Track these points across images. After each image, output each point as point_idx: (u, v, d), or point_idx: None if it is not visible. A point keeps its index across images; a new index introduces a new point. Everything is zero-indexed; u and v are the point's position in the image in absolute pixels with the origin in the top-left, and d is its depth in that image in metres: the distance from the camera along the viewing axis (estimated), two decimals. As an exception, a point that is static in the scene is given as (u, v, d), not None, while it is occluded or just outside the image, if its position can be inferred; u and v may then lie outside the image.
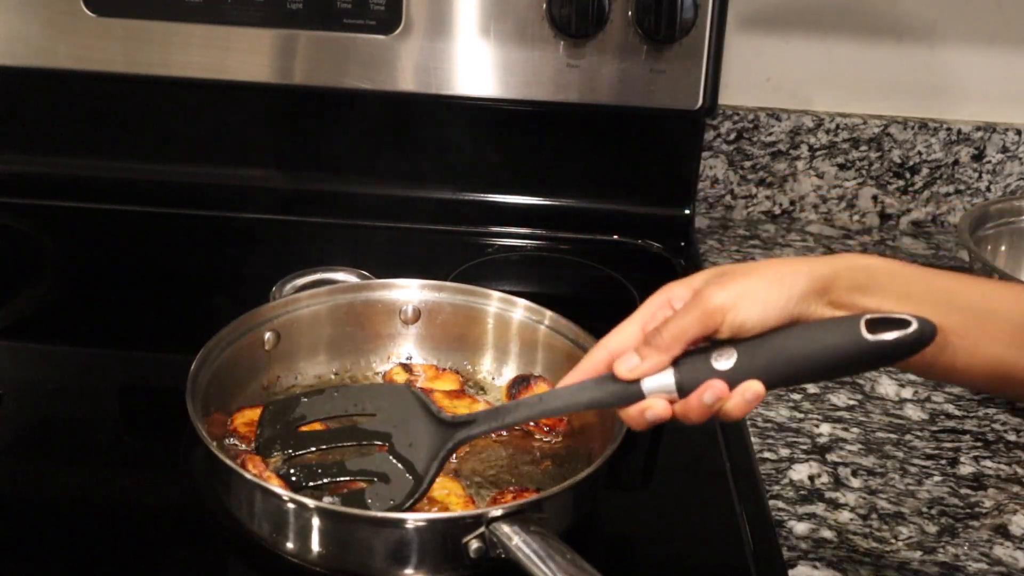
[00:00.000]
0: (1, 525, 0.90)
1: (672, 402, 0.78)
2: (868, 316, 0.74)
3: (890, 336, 0.73)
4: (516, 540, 0.79)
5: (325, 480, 0.89)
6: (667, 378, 0.77)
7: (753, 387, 0.75)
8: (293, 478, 0.89)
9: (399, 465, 0.87)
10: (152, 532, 0.90)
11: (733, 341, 0.76)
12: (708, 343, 0.77)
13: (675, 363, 0.78)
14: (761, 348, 0.76)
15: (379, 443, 0.90)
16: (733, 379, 0.76)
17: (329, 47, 1.31)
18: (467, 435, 0.85)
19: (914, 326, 0.73)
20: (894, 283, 0.76)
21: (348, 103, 1.36)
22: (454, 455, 0.91)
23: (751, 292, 0.75)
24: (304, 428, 0.93)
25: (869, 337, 0.73)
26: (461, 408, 1.00)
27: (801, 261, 0.78)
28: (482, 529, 0.81)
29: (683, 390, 0.77)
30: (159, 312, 1.20)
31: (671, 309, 0.79)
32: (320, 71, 1.32)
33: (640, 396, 0.78)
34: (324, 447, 0.92)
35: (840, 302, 0.76)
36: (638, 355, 0.78)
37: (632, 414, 0.79)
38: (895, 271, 0.77)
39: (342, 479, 0.89)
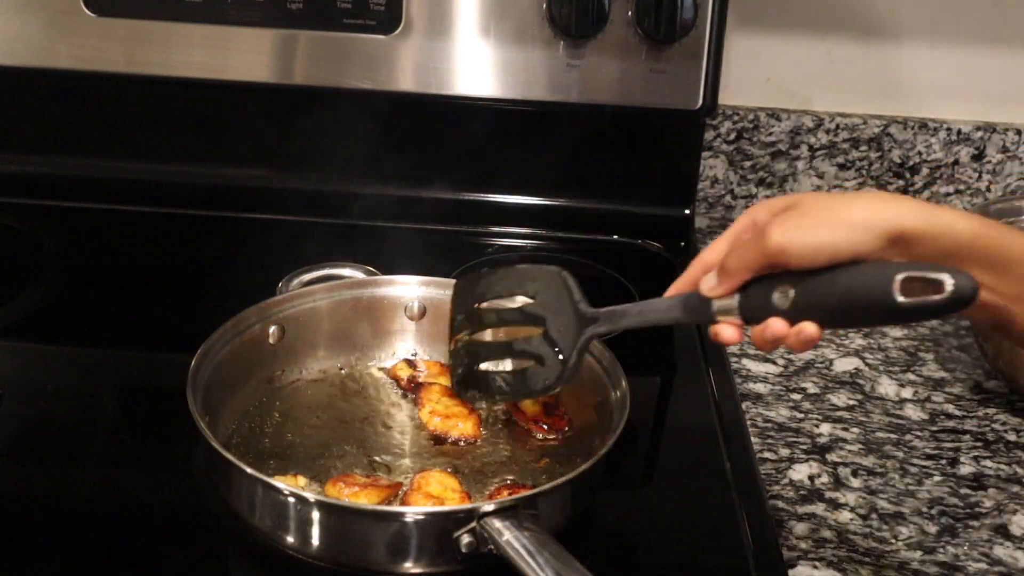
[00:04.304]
0: (1, 525, 0.90)
1: (741, 327, 0.82)
2: (903, 275, 0.73)
3: (924, 299, 0.72)
4: (507, 536, 0.79)
5: (496, 358, 1.00)
6: (732, 304, 0.81)
7: (808, 330, 0.77)
8: (471, 357, 1.00)
9: (551, 349, 0.95)
10: (152, 531, 0.90)
11: (798, 275, 0.77)
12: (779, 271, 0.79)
13: (744, 288, 0.81)
14: (820, 288, 0.76)
15: (537, 326, 0.97)
16: (792, 317, 0.78)
17: (329, 47, 1.31)
18: (594, 332, 0.93)
19: (948, 291, 0.72)
20: (982, 252, 0.75)
21: (348, 103, 1.36)
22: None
23: (818, 238, 0.76)
24: (484, 305, 1.01)
25: (901, 299, 0.73)
26: (460, 417, 1.01)
27: (888, 206, 0.76)
28: (473, 524, 0.81)
29: (747, 319, 0.81)
30: (159, 312, 1.20)
31: (753, 232, 0.81)
32: (320, 71, 1.32)
33: (714, 319, 0.83)
34: (496, 326, 1.02)
35: (922, 258, 0.76)
36: (715, 277, 0.82)
37: (712, 333, 0.84)
38: (988, 239, 0.76)
39: (509, 359, 0.99)
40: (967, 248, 0.75)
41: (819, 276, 0.76)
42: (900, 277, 0.73)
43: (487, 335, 1.03)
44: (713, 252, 0.85)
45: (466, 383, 1.00)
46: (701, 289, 0.83)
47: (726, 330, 0.83)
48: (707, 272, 0.83)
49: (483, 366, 1.00)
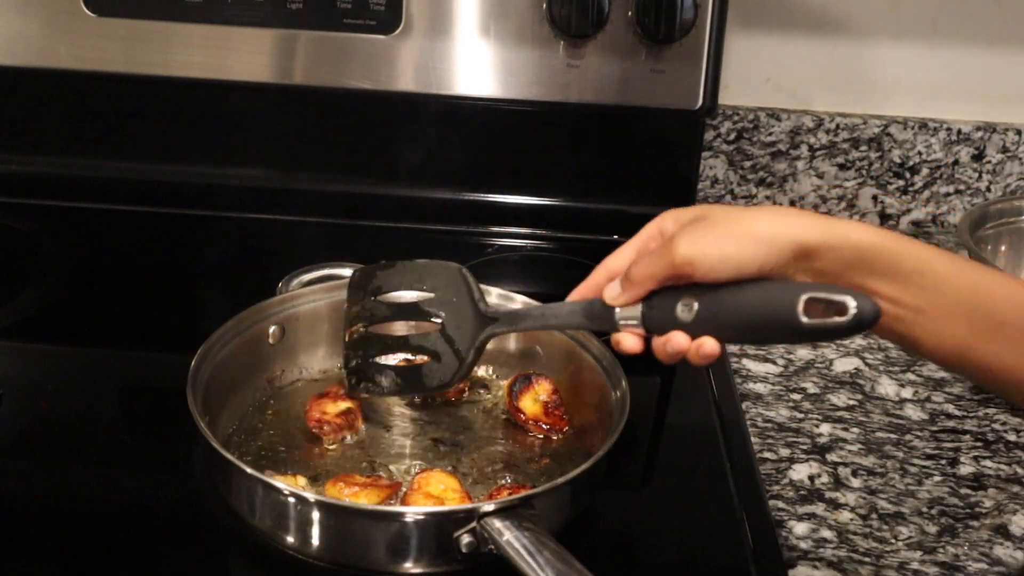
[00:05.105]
0: (1, 525, 0.90)
1: (643, 337, 0.81)
2: (807, 295, 0.73)
3: (826, 321, 0.72)
4: (507, 535, 0.79)
5: (391, 352, 0.99)
6: (635, 314, 0.81)
7: (707, 346, 0.77)
8: (364, 350, 0.99)
9: (448, 346, 0.95)
10: (152, 531, 0.90)
11: (703, 288, 0.77)
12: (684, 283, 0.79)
13: (649, 299, 0.80)
14: (725, 302, 0.76)
15: (435, 321, 0.97)
16: (694, 331, 0.78)
17: (329, 47, 1.31)
18: (492, 332, 0.92)
19: (851, 313, 0.72)
20: (884, 263, 0.76)
21: (348, 103, 1.36)
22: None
23: (725, 251, 0.76)
24: (380, 298, 1.00)
25: (804, 320, 0.73)
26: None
27: (792, 221, 0.77)
28: (474, 524, 0.81)
29: (649, 329, 0.81)
30: (159, 312, 1.20)
31: (660, 241, 0.81)
32: (320, 71, 1.32)
33: (617, 327, 0.82)
34: (392, 319, 1.01)
35: (825, 273, 0.76)
36: (619, 285, 0.81)
37: (613, 341, 0.84)
38: (888, 250, 0.76)
39: (403, 354, 1.00)
40: (869, 259, 0.76)
41: (724, 290, 0.76)
42: (804, 297, 0.73)
43: (383, 328, 1.02)
44: (618, 259, 0.84)
45: (359, 376, 0.99)
46: (604, 297, 0.83)
47: (627, 339, 0.82)
48: (612, 279, 0.83)
49: (377, 360, 0.99)
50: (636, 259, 0.81)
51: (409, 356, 1.00)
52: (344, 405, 1.00)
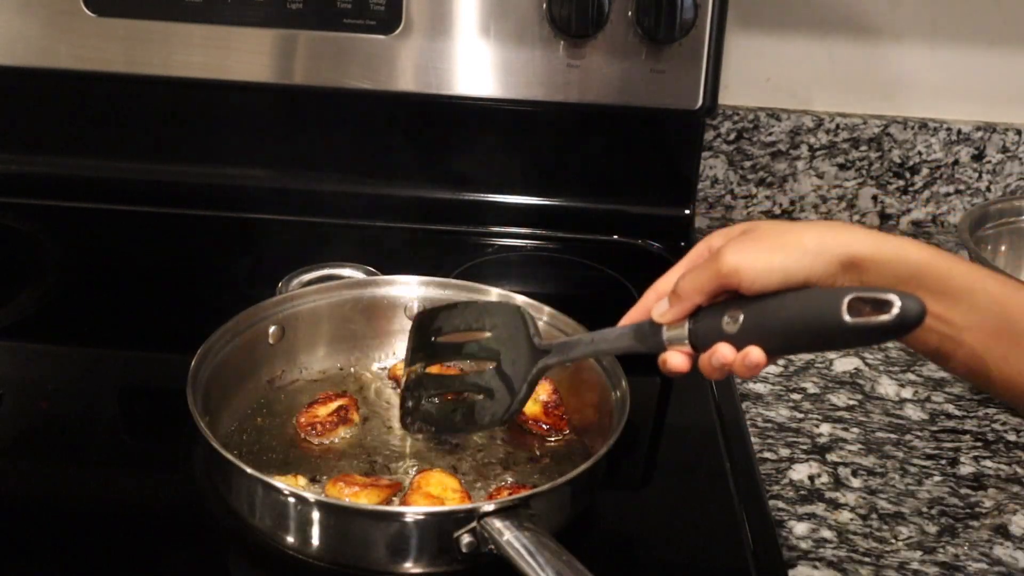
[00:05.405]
0: (1, 525, 0.90)
1: (690, 355, 0.81)
2: (852, 295, 0.72)
3: (870, 320, 0.72)
4: (507, 535, 0.79)
5: (446, 391, 1.01)
6: (682, 332, 0.81)
7: (753, 355, 0.76)
8: (420, 390, 1.00)
9: (502, 383, 0.96)
10: (152, 531, 0.90)
11: (748, 300, 0.77)
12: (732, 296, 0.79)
13: (696, 315, 0.80)
14: (769, 310, 0.76)
15: (491, 360, 0.98)
16: (740, 342, 0.77)
17: (329, 47, 1.31)
18: (545, 364, 0.93)
19: (895, 312, 0.71)
20: (933, 280, 0.76)
21: (348, 103, 1.36)
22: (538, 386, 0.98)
23: (771, 260, 0.76)
24: (440, 339, 1.01)
25: (848, 319, 0.72)
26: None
27: (841, 234, 0.77)
28: (474, 524, 0.81)
29: (696, 346, 0.80)
30: (159, 312, 1.20)
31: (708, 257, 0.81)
32: (320, 71, 1.32)
33: (664, 346, 0.82)
34: (450, 362, 1.04)
35: (874, 284, 0.76)
36: (667, 302, 0.81)
37: (660, 362, 0.83)
38: (938, 268, 0.76)
39: (457, 393, 1.00)
40: (918, 276, 0.76)
41: (769, 300, 0.76)
42: (848, 297, 0.72)
43: (440, 368, 1.04)
44: (667, 280, 0.84)
45: (415, 415, 1.00)
46: (653, 315, 0.83)
47: (674, 357, 0.82)
48: (660, 299, 0.83)
49: (434, 399, 1.00)
50: (683, 274, 0.81)
51: (464, 394, 1.00)
52: (335, 404, 1.00)
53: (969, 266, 0.78)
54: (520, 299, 1.07)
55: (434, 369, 1.03)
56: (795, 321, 0.75)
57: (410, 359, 1.02)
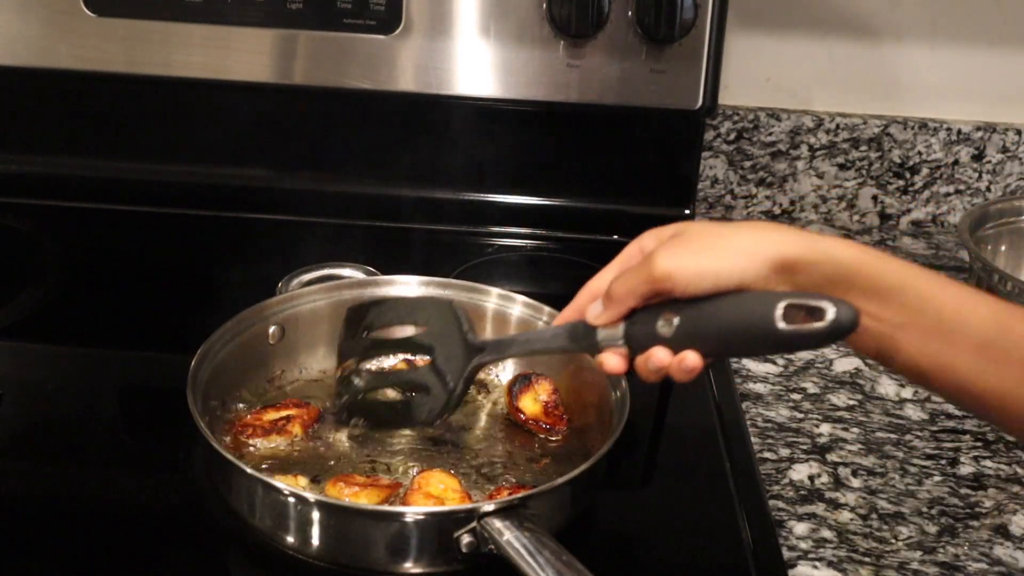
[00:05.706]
0: (1, 525, 0.90)
1: (626, 356, 0.81)
2: (786, 302, 0.73)
3: (804, 327, 0.72)
4: (507, 535, 0.79)
5: (382, 386, 1.01)
6: (616, 333, 0.81)
7: (689, 360, 0.77)
8: (359, 382, 1.00)
9: (438, 379, 0.96)
10: (152, 531, 0.90)
11: (683, 303, 0.77)
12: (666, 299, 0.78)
13: (630, 317, 0.80)
14: (704, 315, 0.76)
15: (425, 356, 0.99)
16: (675, 345, 0.77)
17: (329, 47, 1.31)
18: (480, 362, 0.93)
19: (829, 319, 0.71)
20: (864, 279, 0.76)
21: (348, 103, 1.36)
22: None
23: (703, 264, 0.76)
24: (373, 335, 1.02)
25: (782, 326, 0.72)
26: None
27: (772, 236, 0.77)
28: (474, 524, 0.81)
29: (632, 347, 0.80)
30: (159, 312, 1.20)
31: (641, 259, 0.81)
32: (320, 71, 1.32)
33: (599, 348, 0.82)
34: (384, 355, 1.05)
35: (806, 288, 0.76)
36: (601, 304, 0.81)
37: (597, 362, 0.83)
38: (869, 267, 0.76)
39: (394, 389, 1.01)
40: (850, 275, 0.75)
41: (703, 303, 0.76)
42: (782, 304, 0.73)
43: (374, 364, 1.05)
44: (600, 280, 0.84)
45: (350, 411, 1.00)
46: (587, 316, 0.83)
47: (610, 359, 0.82)
48: (595, 300, 0.83)
49: (368, 395, 1.01)
50: (616, 277, 0.81)
51: (399, 390, 1.01)
52: (284, 413, 0.99)
53: (900, 264, 0.77)
54: (452, 295, 1.07)
55: (369, 364, 1.03)
56: (730, 326, 0.75)
57: (343, 353, 1.02)
